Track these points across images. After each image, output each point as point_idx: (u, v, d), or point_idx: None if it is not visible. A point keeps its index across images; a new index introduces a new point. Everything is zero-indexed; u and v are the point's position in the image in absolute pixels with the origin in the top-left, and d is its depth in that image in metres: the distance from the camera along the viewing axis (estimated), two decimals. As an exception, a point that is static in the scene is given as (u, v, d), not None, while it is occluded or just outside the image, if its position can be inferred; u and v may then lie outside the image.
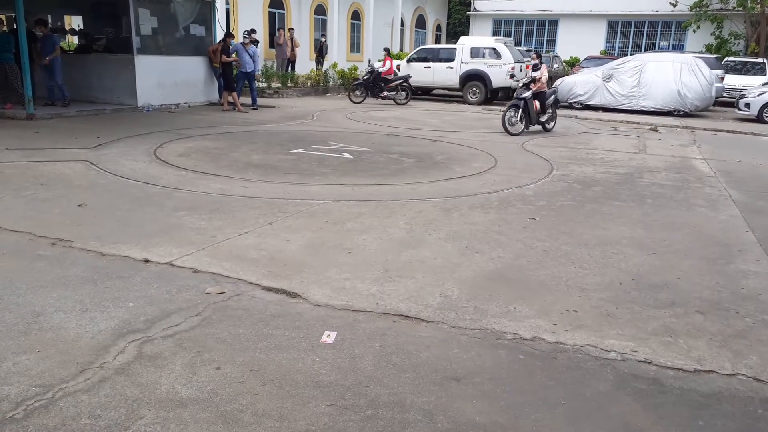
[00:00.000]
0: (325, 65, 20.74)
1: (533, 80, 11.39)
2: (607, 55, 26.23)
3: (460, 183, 7.09)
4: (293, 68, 19.31)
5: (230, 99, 13.60)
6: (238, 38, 15.38)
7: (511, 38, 21.78)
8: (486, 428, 2.50)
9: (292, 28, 20.30)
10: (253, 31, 14.68)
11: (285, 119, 12.61)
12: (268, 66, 17.95)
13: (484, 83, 17.43)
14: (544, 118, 11.75)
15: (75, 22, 21.07)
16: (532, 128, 11.64)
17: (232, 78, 13.68)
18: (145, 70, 12.91)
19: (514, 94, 11.62)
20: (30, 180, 6.42)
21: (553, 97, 11.83)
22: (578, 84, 16.82)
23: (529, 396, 2.74)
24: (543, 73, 11.62)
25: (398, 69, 18.42)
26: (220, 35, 14.65)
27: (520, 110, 11.27)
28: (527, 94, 11.24)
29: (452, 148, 9.67)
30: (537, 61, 11.95)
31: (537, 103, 11.43)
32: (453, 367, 2.95)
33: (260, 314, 3.45)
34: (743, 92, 16.03)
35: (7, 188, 6.04)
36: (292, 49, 19.24)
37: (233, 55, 13.58)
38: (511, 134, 11.22)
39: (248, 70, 13.72)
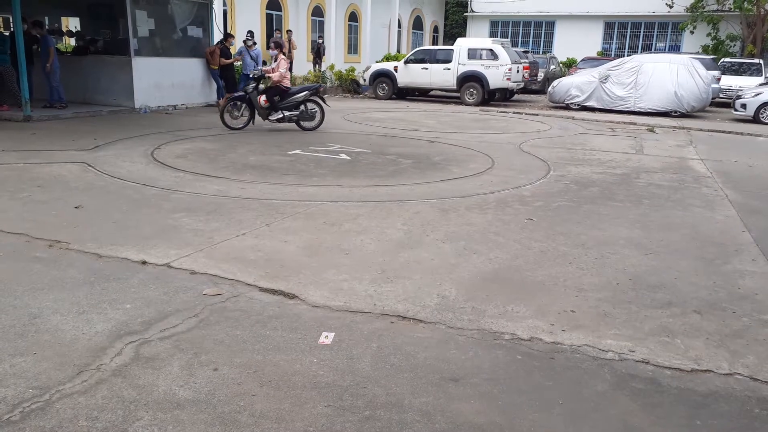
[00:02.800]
0: (323, 67, 20.75)
1: (262, 76, 10.71)
2: (604, 56, 26.28)
3: (457, 184, 7.10)
4: (291, 70, 19.30)
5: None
6: (238, 39, 15.39)
7: (509, 39, 21.77)
8: (484, 428, 2.50)
9: (290, 30, 20.31)
10: (250, 32, 14.70)
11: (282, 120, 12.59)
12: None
13: (482, 84, 17.45)
14: (276, 116, 10.69)
15: (72, 24, 21.04)
16: (282, 124, 10.86)
17: (235, 79, 13.71)
18: (143, 72, 12.90)
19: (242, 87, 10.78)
20: (27, 182, 6.41)
21: (304, 93, 10.76)
22: (575, 85, 16.84)
23: (526, 396, 2.74)
24: (279, 68, 10.56)
25: (395, 70, 18.44)
26: (217, 37, 14.66)
27: (244, 104, 10.72)
28: (250, 87, 10.66)
29: (449, 149, 9.68)
30: (276, 52, 10.95)
31: (263, 98, 10.57)
32: (451, 368, 2.95)
33: (258, 315, 3.44)
34: (740, 93, 16.07)
35: (3, 190, 6.03)
36: (290, 51, 19.23)
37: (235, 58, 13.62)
38: (231, 128, 10.66)
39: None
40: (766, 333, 3.45)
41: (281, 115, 10.70)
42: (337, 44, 22.21)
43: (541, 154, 9.45)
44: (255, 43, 14.59)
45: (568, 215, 5.84)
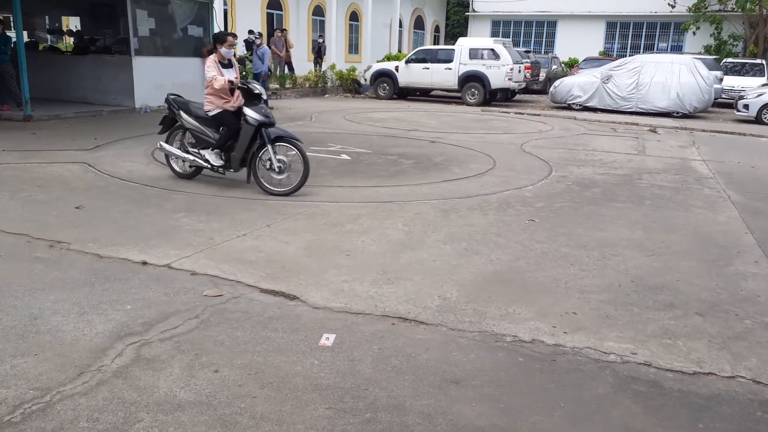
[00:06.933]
0: (324, 66, 20.74)
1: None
2: (606, 56, 26.25)
3: (458, 184, 7.08)
4: (291, 69, 19.30)
5: None
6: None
7: (510, 39, 21.74)
8: (485, 431, 2.49)
9: (284, 29, 20.25)
10: (251, 32, 14.68)
11: (283, 120, 12.57)
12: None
13: (483, 84, 17.42)
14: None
15: (72, 23, 21.05)
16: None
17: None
18: (143, 72, 12.86)
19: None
20: (27, 182, 6.40)
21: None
22: (577, 85, 16.81)
23: (528, 398, 2.73)
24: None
25: (396, 70, 18.42)
26: (218, 36, 14.64)
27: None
28: (261, 114, 6.04)
29: (451, 149, 9.66)
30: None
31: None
32: (452, 370, 2.94)
33: (258, 317, 3.43)
34: (742, 93, 16.04)
35: (4, 190, 6.02)
36: (286, 51, 19.20)
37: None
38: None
39: (257, 72, 13.76)
40: (769, 335, 3.44)
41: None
42: (338, 44, 22.19)
43: (543, 154, 9.44)
44: (261, 43, 14.58)
45: (570, 216, 5.83)
